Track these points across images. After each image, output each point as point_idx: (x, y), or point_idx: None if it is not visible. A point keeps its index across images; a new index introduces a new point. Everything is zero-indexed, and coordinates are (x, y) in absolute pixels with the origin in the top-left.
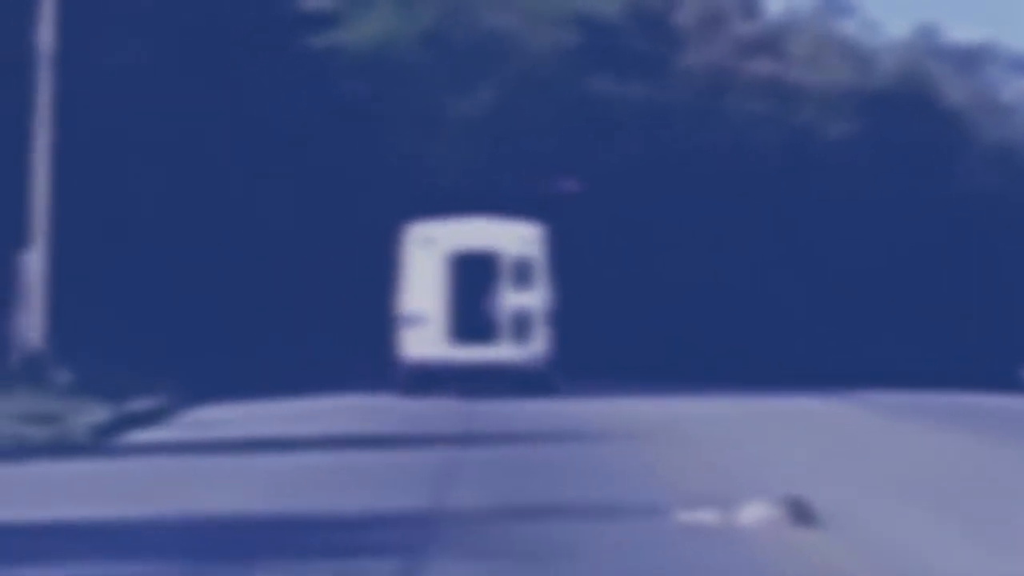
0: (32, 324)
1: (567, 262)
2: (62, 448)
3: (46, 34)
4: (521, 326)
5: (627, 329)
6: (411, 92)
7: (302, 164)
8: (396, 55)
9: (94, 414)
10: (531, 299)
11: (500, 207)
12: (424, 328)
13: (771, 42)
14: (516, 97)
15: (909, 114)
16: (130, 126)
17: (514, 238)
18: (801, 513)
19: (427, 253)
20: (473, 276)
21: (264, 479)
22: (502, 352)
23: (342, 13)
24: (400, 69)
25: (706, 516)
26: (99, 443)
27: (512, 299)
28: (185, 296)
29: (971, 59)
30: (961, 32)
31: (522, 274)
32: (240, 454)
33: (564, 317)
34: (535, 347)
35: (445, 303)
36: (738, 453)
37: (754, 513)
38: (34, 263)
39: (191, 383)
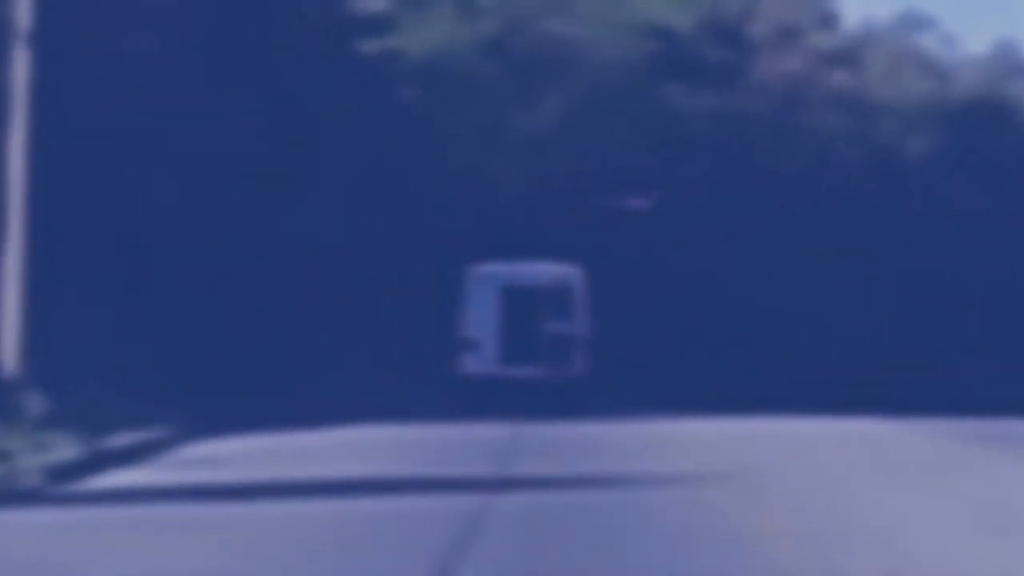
0: (5, 344)
1: (632, 279)
2: (5, 494)
3: (22, 8)
4: (561, 350)
5: (688, 346)
6: (472, 103)
7: (350, 175)
8: (456, 64)
9: (59, 451)
10: (570, 327)
11: (566, 224)
12: (479, 350)
13: (849, 55)
14: (584, 110)
15: (989, 130)
16: (132, 122)
17: (557, 276)
18: None
19: (483, 288)
20: (521, 308)
21: (238, 536)
22: (544, 372)
23: (398, 18)
24: (460, 79)
25: None
26: (52, 487)
27: (554, 327)
28: (190, 313)
29: None
30: None
31: (563, 306)
32: (221, 502)
33: (622, 338)
34: (574, 369)
35: (497, 330)
36: (818, 495)
37: None
38: (8, 273)
39: (193, 413)
